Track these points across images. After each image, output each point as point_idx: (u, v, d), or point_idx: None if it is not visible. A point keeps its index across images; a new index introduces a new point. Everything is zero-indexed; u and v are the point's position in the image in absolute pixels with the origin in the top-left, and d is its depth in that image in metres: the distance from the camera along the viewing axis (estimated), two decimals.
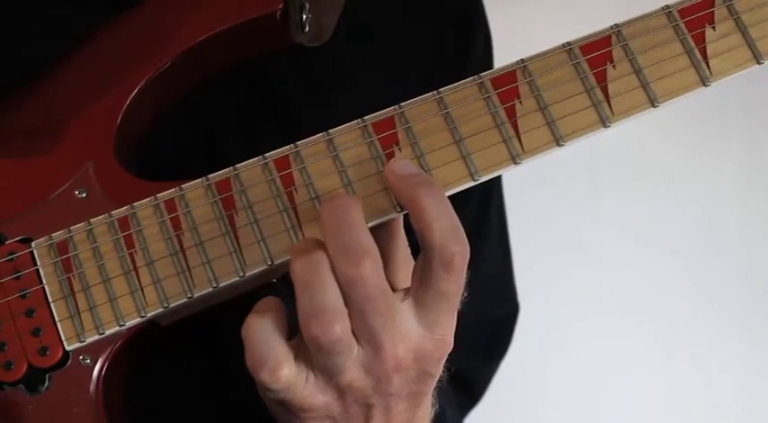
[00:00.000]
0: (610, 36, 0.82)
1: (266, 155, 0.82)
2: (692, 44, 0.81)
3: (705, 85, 0.81)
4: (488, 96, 0.81)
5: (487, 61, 1.07)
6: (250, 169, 0.81)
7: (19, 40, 0.89)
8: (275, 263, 0.80)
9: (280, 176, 0.81)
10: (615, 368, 1.89)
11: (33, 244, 0.82)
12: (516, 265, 1.16)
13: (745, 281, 1.91)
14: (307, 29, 0.89)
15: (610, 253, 1.78)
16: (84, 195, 0.83)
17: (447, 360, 0.80)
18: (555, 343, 1.82)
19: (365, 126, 0.81)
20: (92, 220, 0.82)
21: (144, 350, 0.84)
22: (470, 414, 1.15)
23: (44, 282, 0.81)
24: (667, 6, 0.82)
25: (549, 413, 1.86)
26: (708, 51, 0.81)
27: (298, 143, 0.81)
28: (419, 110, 0.81)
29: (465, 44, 1.03)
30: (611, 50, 0.81)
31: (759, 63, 0.81)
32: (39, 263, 0.81)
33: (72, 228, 0.82)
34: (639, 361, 1.89)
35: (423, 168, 0.80)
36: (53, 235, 0.82)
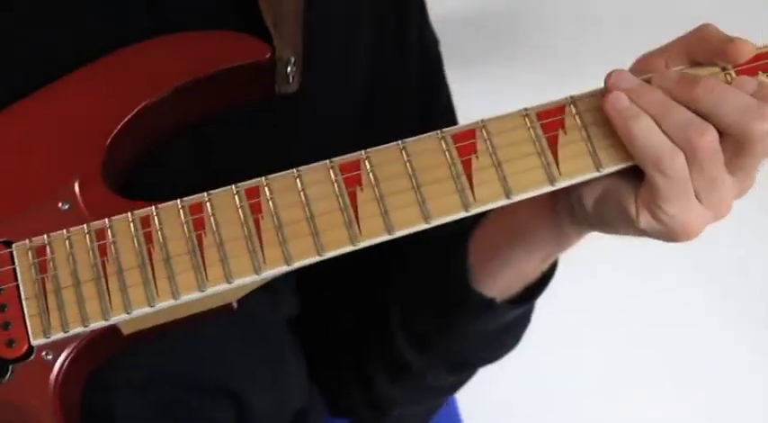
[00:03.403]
0: (564, 106, 0.89)
1: (239, 184, 0.88)
2: None
3: None
4: (448, 149, 0.88)
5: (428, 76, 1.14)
6: (222, 195, 0.88)
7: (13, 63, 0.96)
8: (234, 282, 0.86)
9: (249, 204, 0.88)
10: (614, 372, 1.89)
11: (14, 246, 0.88)
12: None
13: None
14: (291, 80, 0.96)
15: (608, 254, 1.79)
16: (66, 207, 0.89)
17: None
18: (556, 349, 1.84)
19: (333, 166, 0.88)
20: (70, 229, 0.88)
21: (104, 355, 0.89)
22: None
23: (19, 280, 0.87)
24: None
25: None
26: None
27: (269, 176, 0.88)
28: (383, 156, 0.88)
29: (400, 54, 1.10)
30: (563, 118, 0.88)
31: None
32: (16, 262, 0.88)
33: (51, 234, 0.88)
34: (643, 367, 1.89)
35: (382, 209, 0.86)
36: (33, 239, 0.88)
